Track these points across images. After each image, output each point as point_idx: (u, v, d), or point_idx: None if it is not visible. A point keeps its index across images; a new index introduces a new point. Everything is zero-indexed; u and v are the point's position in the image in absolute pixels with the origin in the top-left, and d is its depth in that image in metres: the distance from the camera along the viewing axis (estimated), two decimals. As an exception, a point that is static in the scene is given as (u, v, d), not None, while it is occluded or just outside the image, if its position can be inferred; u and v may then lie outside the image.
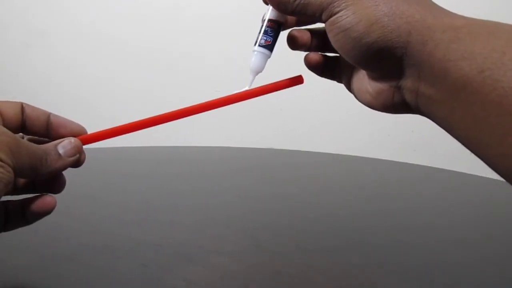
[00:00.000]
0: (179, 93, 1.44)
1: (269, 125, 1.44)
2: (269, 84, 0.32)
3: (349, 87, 0.33)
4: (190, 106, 0.31)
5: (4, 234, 0.28)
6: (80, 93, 1.53)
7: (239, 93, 0.32)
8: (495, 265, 0.43)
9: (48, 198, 0.27)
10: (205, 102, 0.31)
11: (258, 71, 0.32)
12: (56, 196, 0.29)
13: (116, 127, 0.30)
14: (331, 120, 1.41)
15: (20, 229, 0.28)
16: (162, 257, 0.40)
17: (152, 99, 1.47)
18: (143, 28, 1.48)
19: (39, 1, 1.52)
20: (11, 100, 0.28)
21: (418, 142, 1.36)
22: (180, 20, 1.46)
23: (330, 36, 0.28)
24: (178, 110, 0.31)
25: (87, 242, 0.43)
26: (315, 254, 0.43)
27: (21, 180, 0.29)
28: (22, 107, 0.28)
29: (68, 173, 0.29)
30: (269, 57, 0.32)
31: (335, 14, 0.27)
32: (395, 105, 0.28)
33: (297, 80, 0.33)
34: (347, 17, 0.26)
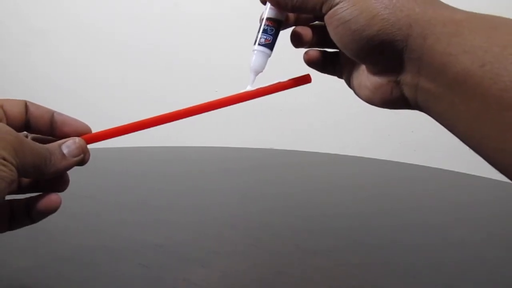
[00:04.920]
0: (179, 93, 1.44)
1: (269, 125, 1.44)
2: (277, 83, 0.32)
3: (348, 83, 0.33)
4: (196, 105, 0.31)
5: (4, 235, 0.28)
6: (80, 93, 1.53)
7: (245, 92, 0.31)
8: (495, 265, 0.43)
9: (54, 197, 0.27)
10: (211, 101, 0.31)
11: (258, 70, 0.32)
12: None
13: (120, 126, 0.30)
14: (331, 120, 1.41)
15: (20, 229, 0.28)
16: (162, 257, 0.40)
17: (152, 99, 1.47)
18: (143, 28, 1.48)
19: (39, 1, 1.52)
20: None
21: (418, 142, 1.36)
22: (181, 20, 1.46)
23: (329, 29, 0.28)
24: (184, 109, 0.30)
25: (87, 242, 0.43)
26: (315, 254, 0.43)
27: (25, 180, 0.29)
28: (26, 105, 0.28)
29: (68, 173, 0.29)
30: (270, 56, 0.32)
31: (335, 5, 0.26)
32: (394, 100, 0.28)
33: (305, 79, 0.33)
34: (347, 8, 0.26)
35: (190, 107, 0.31)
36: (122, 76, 1.51)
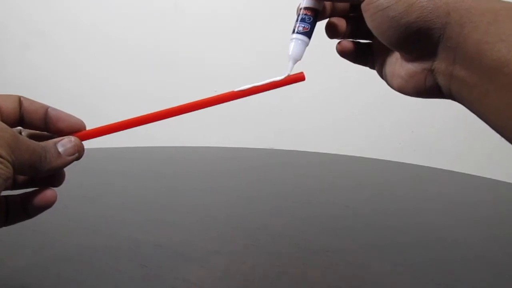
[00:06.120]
0: (179, 92, 1.44)
1: (269, 125, 1.44)
2: (271, 81, 0.32)
3: (381, 73, 0.33)
4: (192, 102, 0.31)
5: (4, 235, 0.28)
6: (80, 93, 1.53)
7: (240, 90, 0.31)
8: (495, 265, 0.43)
9: (49, 192, 0.27)
10: (206, 98, 0.31)
11: (297, 58, 0.32)
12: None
13: (115, 123, 0.30)
14: (331, 120, 1.41)
15: (20, 229, 0.28)
16: (162, 257, 0.40)
17: (151, 99, 1.46)
18: (143, 28, 1.48)
19: (39, 1, 1.52)
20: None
21: (418, 142, 1.36)
22: (180, 20, 1.46)
23: (366, 16, 0.28)
24: (178, 106, 0.30)
25: (87, 242, 0.43)
26: (315, 254, 0.43)
27: (21, 176, 0.29)
28: (20, 100, 0.28)
29: (68, 173, 0.29)
30: (308, 44, 0.32)
31: None
32: (427, 89, 0.28)
33: (299, 78, 0.33)
34: None
35: (186, 104, 0.31)
36: (122, 75, 1.51)
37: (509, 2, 0.25)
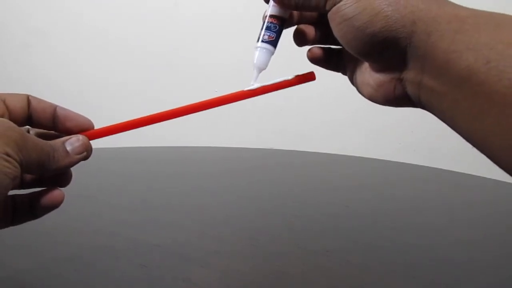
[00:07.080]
0: (179, 92, 1.44)
1: (269, 125, 1.45)
2: (281, 81, 0.32)
3: (352, 80, 0.33)
4: (199, 102, 0.30)
5: (4, 236, 0.28)
6: (80, 93, 1.54)
7: (250, 90, 0.31)
8: (495, 265, 0.43)
9: (57, 192, 0.27)
10: (215, 98, 0.31)
11: (262, 67, 0.32)
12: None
13: (124, 122, 0.29)
14: (331, 120, 1.41)
15: (21, 230, 0.28)
16: (162, 257, 0.40)
17: (151, 99, 1.47)
18: (143, 28, 1.48)
19: (39, 1, 1.52)
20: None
21: (418, 142, 1.36)
22: (181, 20, 1.46)
23: (332, 25, 0.28)
24: (187, 105, 0.30)
25: (87, 243, 0.43)
26: (315, 254, 0.43)
27: (28, 176, 0.29)
28: (28, 99, 0.28)
29: (71, 169, 0.29)
30: (273, 53, 0.32)
31: (338, 2, 0.26)
32: (397, 98, 0.28)
33: (309, 77, 0.33)
34: (350, 5, 0.26)
35: (193, 104, 0.30)
36: (122, 76, 1.51)
37: (475, 10, 0.24)
